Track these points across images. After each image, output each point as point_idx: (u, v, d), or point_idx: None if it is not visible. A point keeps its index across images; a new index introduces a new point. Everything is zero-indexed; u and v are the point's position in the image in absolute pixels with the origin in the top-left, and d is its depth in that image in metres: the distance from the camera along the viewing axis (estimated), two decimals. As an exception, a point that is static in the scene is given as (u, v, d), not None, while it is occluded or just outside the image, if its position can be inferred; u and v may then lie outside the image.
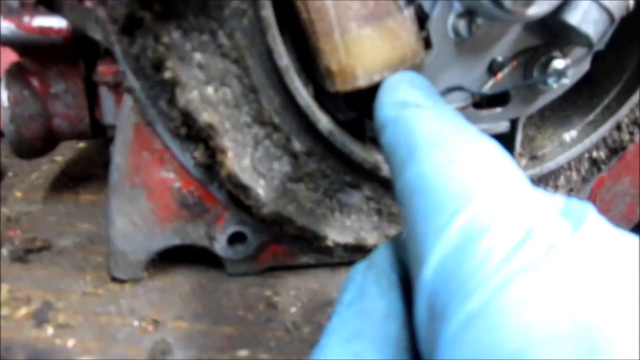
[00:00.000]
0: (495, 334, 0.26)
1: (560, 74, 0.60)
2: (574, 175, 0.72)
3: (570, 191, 0.73)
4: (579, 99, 0.71)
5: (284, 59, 0.54)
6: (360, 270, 0.43)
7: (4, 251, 0.66)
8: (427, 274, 0.31)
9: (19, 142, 0.72)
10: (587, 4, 0.53)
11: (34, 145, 0.74)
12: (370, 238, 0.64)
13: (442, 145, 0.36)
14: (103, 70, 0.61)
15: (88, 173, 0.82)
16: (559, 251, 0.28)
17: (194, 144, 0.57)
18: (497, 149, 0.35)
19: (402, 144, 0.38)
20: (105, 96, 0.67)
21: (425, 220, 0.33)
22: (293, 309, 0.60)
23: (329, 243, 0.62)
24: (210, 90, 0.55)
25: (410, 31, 0.55)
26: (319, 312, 0.59)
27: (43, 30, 0.67)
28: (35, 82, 0.72)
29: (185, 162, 0.57)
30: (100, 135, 0.75)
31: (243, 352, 0.53)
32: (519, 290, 0.27)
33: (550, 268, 0.27)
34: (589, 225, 0.30)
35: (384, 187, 0.63)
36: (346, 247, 0.64)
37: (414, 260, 0.34)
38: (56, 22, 0.67)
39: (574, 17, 0.55)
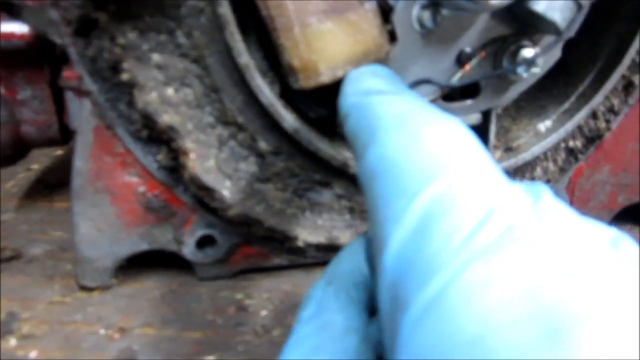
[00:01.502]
0: (454, 321, 0.25)
1: (530, 62, 0.58)
2: (551, 165, 0.71)
3: (548, 182, 0.72)
4: (554, 89, 0.70)
5: (244, 56, 0.53)
6: (319, 286, 0.42)
7: (-27, 262, 0.65)
8: (388, 261, 0.30)
9: (-12, 150, 0.71)
10: (551, -10, 0.52)
11: (4, 152, 0.73)
12: (342, 237, 0.63)
13: (404, 126, 0.35)
14: (67, 75, 0.60)
15: (64, 180, 0.80)
16: (519, 232, 0.27)
17: (156, 146, 0.56)
18: (461, 129, 0.34)
19: (364, 128, 0.37)
20: (72, 101, 0.66)
21: (386, 205, 0.32)
22: (264, 312, 0.58)
23: (300, 243, 0.61)
24: (170, 91, 0.53)
25: (373, 24, 0.54)
26: (291, 314, 0.58)
27: (5, 36, 0.66)
28: (1, 89, 0.70)
29: (148, 165, 0.56)
30: (70, 140, 0.74)
31: (210, 357, 0.52)
32: (478, 273, 0.26)
33: (509, 250, 0.26)
34: (545, 204, 0.29)
35: (354, 185, 0.62)
36: (318, 247, 0.63)
37: (376, 250, 0.33)
38: (18, 28, 0.66)
39: (540, 5, 0.54)
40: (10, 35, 0.66)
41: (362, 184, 0.36)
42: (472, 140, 0.33)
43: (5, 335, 0.53)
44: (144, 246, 0.59)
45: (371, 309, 0.45)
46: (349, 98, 0.43)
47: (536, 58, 0.57)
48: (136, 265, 0.62)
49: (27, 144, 0.74)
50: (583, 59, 0.68)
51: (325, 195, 0.62)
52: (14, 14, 0.65)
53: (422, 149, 0.32)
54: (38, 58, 0.69)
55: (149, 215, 0.58)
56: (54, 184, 0.86)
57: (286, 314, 0.58)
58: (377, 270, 0.32)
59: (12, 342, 0.52)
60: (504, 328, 0.24)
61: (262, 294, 0.61)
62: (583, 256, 0.26)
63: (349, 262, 0.45)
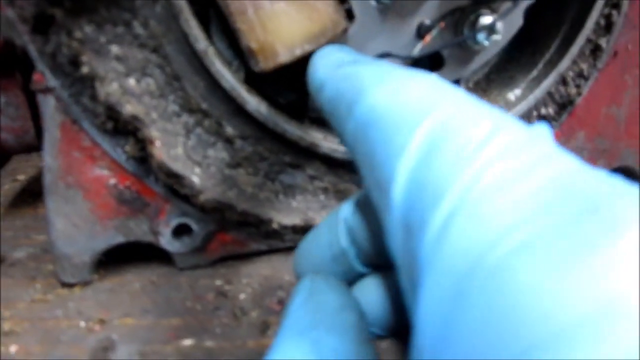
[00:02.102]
0: (481, 221, 0.23)
1: (490, 29, 0.59)
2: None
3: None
4: (522, 58, 0.70)
5: (201, 42, 0.53)
6: (308, 277, 0.42)
7: (-44, 269, 0.65)
8: (396, 193, 0.29)
9: (-33, 159, 0.72)
10: (499, -46, 0.53)
11: (-18, 161, 0.74)
12: (318, 218, 0.63)
13: (389, 78, 0.34)
14: (37, 77, 0.61)
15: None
16: (535, 141, 0.26)
17: (123, 138, 0.56)
18: (442, 79, 0.33)
19: (346, 91, 0.37)
20: (43, 103, 0.67)
21: (384, 145, 0.31)
22: (242, 296, 0.59)
23: (275, 226, 0.61)
24: (131, 81, 0.54)
25: (328, 2, 0.55)
26: (269, 296, 0.58)
27: (-26, 46, 0.67)
28: (-25, 99, 0.71)
29: (117, 157, 0.57)
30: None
31: (188, 342, 0.52)
32: (498, 172, 0.25)
33: (530, 147, 0.26)
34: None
35: (326, 165, 0.63)
36: (295, 229, 0.63)
37: (378, 195, 0.32)
38: (-14, 37, 0.67)
39: (491, -30, 0.54)
40: (-22, 44, 0.67)
41: (352, 144, 0.35)
42: (455, 86, 0.33)
43: (-15, 334, 0.54)
44: (120, 239, 0.60)
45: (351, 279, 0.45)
46: (321, 70, 0.43)
47: (495, 24, 0.57)
48: (117, 260, 0.63)
49: (6, 152, 0.75)
50: (548, 26, 0.68)
51: (298, 177, 0.62)
52: (-21, 21, 0.66)
53: (412, 92, 0.32)
54: (8, 65, 0.69)
55: (122, 208, 0.59)
56: (38, 192, 0.87)
57: (264, 297, 0.58)
58: (383, 212, 0.31)
59: (-7, 340, 0.53)
60: (538, 215, 0.22)
61: (242, 279, 0.61)
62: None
63: (325, 239, 0.45)
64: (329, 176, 0.63)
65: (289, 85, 0.64)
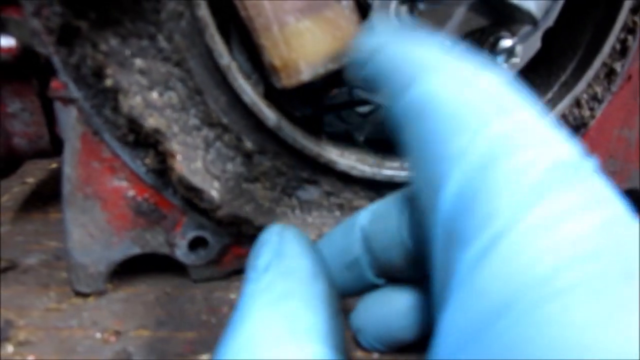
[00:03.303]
0: (522, 257, 0.24)
1: (509, 52, 0.59)
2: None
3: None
4: (537, 79, 0.71)
5: (225, 57, 0.54)
6: (274, 232, 0.40)
7: (-31, 275, 0.65)
8: (447, 198, 0.28)
9: (-20, 164, 0.72)
10: (524, -20, 0.53)
11: (-4, 166, 0.73)
12: (333, 233, 0.63)
13: (457, 66, 0.33)
14: (55, 85, 0.61)
15: (58, 192, 0.81)
16: (593, 179, 0.27)
17: (143, 150, 0.56)
18: (508, 80, 0.33)
19: (407, 62, 0.35)
20: (61, 111, 0.67)
21: (442, 142, 0.30)
22: (257, 310, 0.59)
23: (290, 241, 0.61)
24: (154, 95, 0.54)
25: (351, 20, 0.55)
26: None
27: (-7, 50, 0.67)
28: (-10, 103, 0.71)
29: (137, 169, 0.57)
30: (61, 151, 0.75)
31: (204, 356, 0.52)
32: (549, 209, 0.25)
33: (581, 187, 0.26)
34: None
35: (342, 181, 0.63)
36: (309, 244, 0.63)
37: (426, 187, 0.31)
38: (4, 41, 0.67)
39: (514, -5, 0.54)
40: (-3, 50, 0.67)
41: (400, 122, 0.34)
42: (521, 90, 0.32)
43: (2, 342, 0.54)
44: (136, 250, 0.60)
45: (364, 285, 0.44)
46: (380, 32, 0.40)
47: (514, 47, 0.58)
48: (131, 270, 0.63)
49: (19, 156, 0.75)
50: (564, 49, 0.69)
51: (314, 193, 0.63)
52: None
53: (477, 89, 0.31)
54: (25, 71, 0.69)
55: (139, 219, 0.59)
56: (48, 196, 0.87)
57: (279, 311, 0.59)
58: (428, 208, 0.31)
59: (9, 348, 0.53)
60: (578, 263, 0.23)
61: (255, 293, 0.62)
62: None
63: (341, 242, 0.44)
64: (345, 192, 0.63)
65: (306, 99, 0.64)
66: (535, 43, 0.62)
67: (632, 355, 0.20)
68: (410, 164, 0.35)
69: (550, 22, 0.60)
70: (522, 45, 0.59)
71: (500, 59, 0.59)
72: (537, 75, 0.71)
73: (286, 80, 0.54)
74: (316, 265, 0.38)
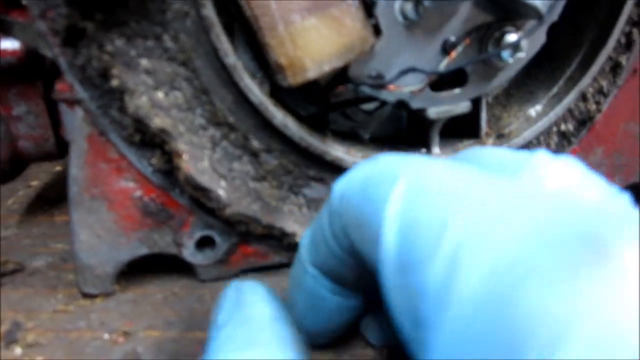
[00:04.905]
0: (486, 253, 0.26)
1: (515, 47, 0.59)
2: (544, 149, 0.71)
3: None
4: (541, 74, 0.71)
5: (231, 57, 0.54)
6: (232, 287, 0.42)
7: (-24, 277, 0.65)
8: (389, 235, 0.31)
9: (-13, 166, 0.72)
10: (529, -26, 0.53)
11: (3, 168, 0.73)
12: (340, 231, 0.63)
13: (351, 171, 0.40)
14: (60, 87, 0.61)
15: (64, 195, 0.80)
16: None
17: (150, 150, 0.56)
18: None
19: None
20: (66, 113, 0.67)
21: (367, 202, 0.34)
22: (266, 309, 0.59)
23: (297, 239, 0.61)
24: (160, 94, 0.54)
25: (356, 18, 0.55)
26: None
27: (-1, 53, 0.67)
28: (-4, 106, 0.71)
29: (143, 169, 0.57)
30: (67, 153, 0.75)
31: (214, 356, 0.52)
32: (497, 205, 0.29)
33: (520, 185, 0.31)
34: None
35: (349, 178, 0.63)
36: (317, 242, 0.63)
37: (365, 246, 0.35)
38: (9, 44, 0.67)
39: (519, -11, 0.54)
40: (2, 52, 0.67)
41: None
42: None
43: (10, 344, 0.53)
44: (143, 250, 0.60)
45: None
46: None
47: (520, 42, 0.57)
48: (138, 271, 0.63)
49: (24, 159, 0.75)
50: (569, 43, 0.69)
51: (321, 191, 0.62)
52: (4, 30, 0.67)
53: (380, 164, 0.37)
54: (31, 73, 0.70)
55: (147, 220, 0.59)
56: (54, 199, 0.87)
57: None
58: (372, 258, 0.34)
59: (18, 350, 0.53)
60: (539, 247, 0.25)
61: (264, 292, 0.62)
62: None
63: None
64: (351, 190, 0.63)
65: (311, 97, 0.64)
66: (540, 37, 0.62)
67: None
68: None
69: (555, 16, 0.60)
70: (527, 40, 0.59)
71: (506, 53, 0.59)
72: (541, 70, 0.71)
73: (292, 79, 0.54)
74: (275, 310, 0.39)
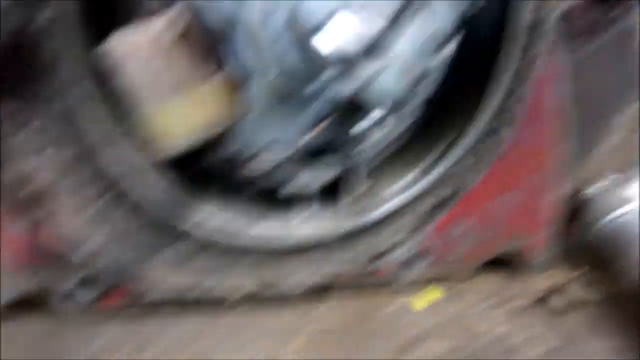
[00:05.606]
0: None
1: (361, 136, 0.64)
2: (413, 216, 0.75)
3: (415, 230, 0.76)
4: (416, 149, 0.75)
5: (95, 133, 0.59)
6: None
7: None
8: None
9: None
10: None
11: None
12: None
13: None
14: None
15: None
16: None
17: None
18: None
19: None
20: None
21: None
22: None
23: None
24: (39, 156, 0.60)
25: (223, 94, 0.60)
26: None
27: None
28: None
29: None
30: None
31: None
32: None
33: None
34: None
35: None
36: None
37: None
38: None
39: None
40: None
41: None
42: None
43: None
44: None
45: None
46: None
47: (365, 133, 0.62)
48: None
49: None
50: (441, 125, 0.74)
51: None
52: None
53: None
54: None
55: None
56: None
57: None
58: None
59: None
60: None
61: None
62: None
63: None
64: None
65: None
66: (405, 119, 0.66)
67: None
68: None
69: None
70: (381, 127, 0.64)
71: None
72: (414, 146, 0.75)
73: (162, 152, 0.60)
74: None
